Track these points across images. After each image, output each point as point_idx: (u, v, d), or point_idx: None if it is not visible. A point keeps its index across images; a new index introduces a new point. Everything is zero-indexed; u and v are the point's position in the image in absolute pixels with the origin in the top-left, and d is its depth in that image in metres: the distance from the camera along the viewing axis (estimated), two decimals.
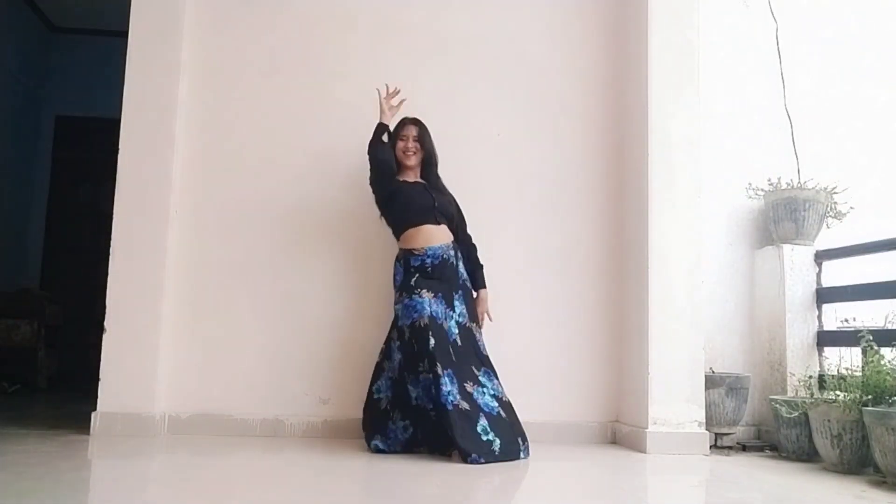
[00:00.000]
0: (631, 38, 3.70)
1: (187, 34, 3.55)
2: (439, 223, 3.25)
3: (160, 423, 3.35)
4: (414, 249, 3.21)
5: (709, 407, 3.42)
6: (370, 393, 3.20)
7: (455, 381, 3.00)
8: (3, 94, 5.81)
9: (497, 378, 3.20)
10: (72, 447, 2.98)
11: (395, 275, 3.25)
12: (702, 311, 3.45)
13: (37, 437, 3.16)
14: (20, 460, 2.67)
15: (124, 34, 3.48)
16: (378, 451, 3.06)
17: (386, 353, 3.21)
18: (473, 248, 3.39)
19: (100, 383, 3.27)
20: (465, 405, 2.97)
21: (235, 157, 3.60)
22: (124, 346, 3.31)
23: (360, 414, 3.23)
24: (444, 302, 3.17)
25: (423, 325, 3.04)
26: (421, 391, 3.05)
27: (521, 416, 3.12)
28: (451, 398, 2.94)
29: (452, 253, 3.27)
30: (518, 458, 3.01)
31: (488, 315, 3.36)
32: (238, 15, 3.67)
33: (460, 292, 3.24)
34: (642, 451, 3.28)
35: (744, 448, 3.58)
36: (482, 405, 3.03)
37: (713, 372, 3.56)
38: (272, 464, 2.83)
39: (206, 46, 3.61)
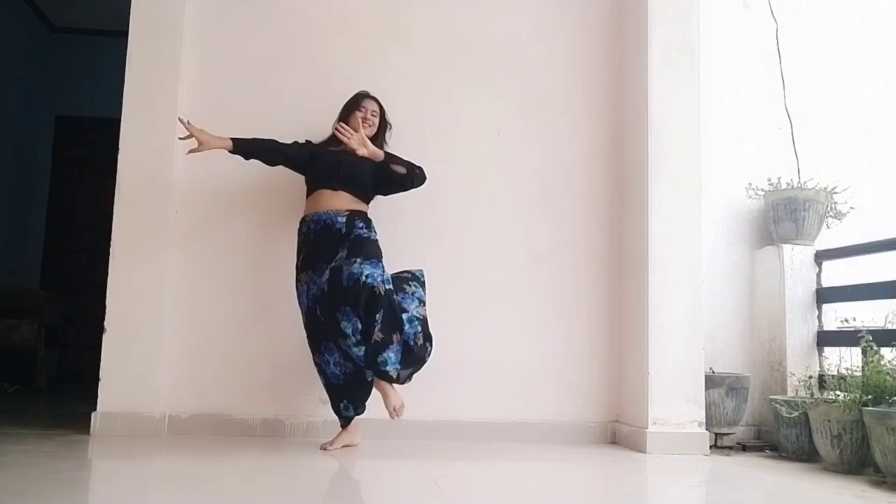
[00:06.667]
0: (631, 38, 3.70)
1: (187, 34, 3.55)
2: (336, 189, 3.16)
3: (160, 423, 3.34)
4: (305, 216, 3.21)
5: (709, 407, 3.43)
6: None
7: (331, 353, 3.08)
8: (3, 94, 5.80)
9: (365, 310, 2.93)
10: (72, 447, 2.98)
11: None
12: (702, 311, 3.45)
13: (37, 437, 3.16)
14: (20, 460, 2.66)
15: (124, 34, 3.48)
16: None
17: None
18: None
19: (100, 383, 3.27)
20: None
21: (235, 157, 3.59)
22: (124, 346, 3.31)
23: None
24: (319, 272, 3.05)
25: (303, 320, 3.17)
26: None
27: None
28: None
29: (343, 221, 3.10)
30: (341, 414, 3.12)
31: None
32: (238, 14, 3.67)
33: (346, 242, 3.06)
34: (642, 451, 3.28)
35: (744, 448, 3.58)
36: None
37: (713, 372, 3.56)
38: (272, 464, 2.83)
39: (206, 46, 3.61)
